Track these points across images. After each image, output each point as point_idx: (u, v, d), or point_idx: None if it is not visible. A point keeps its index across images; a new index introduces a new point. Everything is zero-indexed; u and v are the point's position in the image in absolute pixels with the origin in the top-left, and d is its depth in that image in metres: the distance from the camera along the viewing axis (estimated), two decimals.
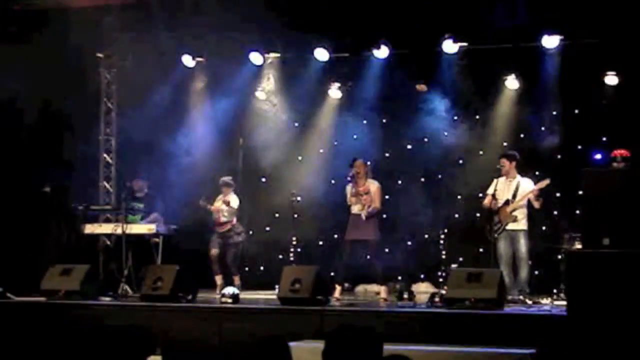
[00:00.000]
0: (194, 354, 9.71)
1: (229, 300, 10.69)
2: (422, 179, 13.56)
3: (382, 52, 13.10)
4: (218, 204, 12.92)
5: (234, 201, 12.90)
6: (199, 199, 12.99)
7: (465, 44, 12.74)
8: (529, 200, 11.34)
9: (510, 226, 11.31)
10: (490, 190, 11.53)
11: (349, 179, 11.60)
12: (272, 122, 14.18)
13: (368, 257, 11.59)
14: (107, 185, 14.53)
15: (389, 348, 4.50)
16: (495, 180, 11.53)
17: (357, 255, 11.59)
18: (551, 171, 11.96)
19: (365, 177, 11.57)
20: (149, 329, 4.66)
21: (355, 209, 11.57)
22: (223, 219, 12.88)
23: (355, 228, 11.50)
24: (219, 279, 12.84)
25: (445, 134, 13.43)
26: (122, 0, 12.96)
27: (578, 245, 10.50)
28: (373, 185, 11.57)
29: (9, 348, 10.03)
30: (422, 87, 13.04)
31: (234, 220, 12.95)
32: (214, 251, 12.89)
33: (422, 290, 12.34)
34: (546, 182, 11.29)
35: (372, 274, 11.89)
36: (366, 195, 11.48)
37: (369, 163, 11.74)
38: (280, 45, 13.59)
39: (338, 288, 11.47)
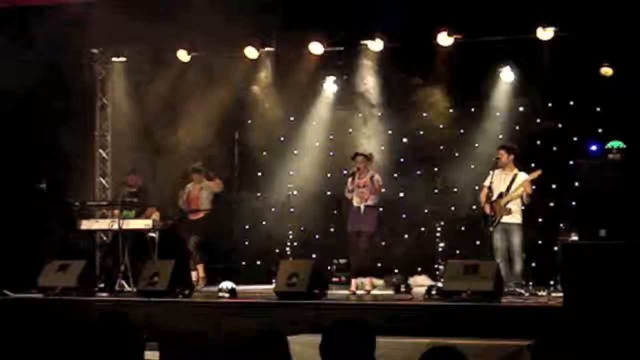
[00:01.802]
0: (192, 348, 9.70)
1: (226, 295, 10.71)
2: (418, 172, 13.57)
3: (376, 45, 13.11)
4: (195, 191, 12.77)
5: (218, 186, 12.78)
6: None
7: (460, 36, 12.74)
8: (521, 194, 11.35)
9: (505, 219, 11.30)
10: (486, 182, 11.54)
11: (350, 173, 11.60)
12: (267, 116, 14.18)
13: (364, 248, 11.60)
14: (103, 181, 14.53)
15: (386, 341, 4.51)
16: (491, 172, 11.54)
17: (358, 247, 11.62)
18: (547, 163, 11.96)
19: (366, 170, 11.59)
20: (125, 315, 4.63)
21: (354, 202, 11.61)
22: (204, 206, 12.73)
23: (355, 220, 11.56)
24: (195, 275, 12.51)
25: (441, 126, 13.43)
26: None
27: (574, 237, 10.51)
28: (375, 175, 11.61)
29: (6, 345, 10.01)
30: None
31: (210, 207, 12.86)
32: (191, 240, 12.68)
33: (419, 282, 12.35)
34: (538, 172, 11.29)
35: (362, 266, 11.83)
36: (364, 189, 11.50)
37: (370, 156, 11.75)
38: (274, 39, 13.58)
39: (354, 281, 11.56)
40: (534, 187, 11.31)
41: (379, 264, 12.36)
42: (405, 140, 13.79)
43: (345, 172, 12.10)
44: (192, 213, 12.73)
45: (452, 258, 11.90)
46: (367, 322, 4.39)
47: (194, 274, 12.51)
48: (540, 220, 12.54)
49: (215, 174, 12.99)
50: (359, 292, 11.50)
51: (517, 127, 13.05)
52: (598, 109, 12.61)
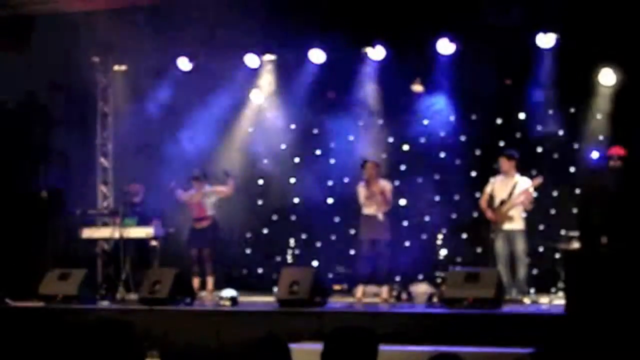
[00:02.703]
0: (193, 356, 9.70)
1: (228, 303, 10.69)
2: (419, 180, 13.56)
3: (377, 53, 13.12)
4: (197, 198, 12.75)
5: (230, 190, 12.79)
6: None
7: (460, 43, 12.74)
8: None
9: (507, 226, 11.30)
10: (487, 189, 11.55)
11: (362, 182, 11.61)
12: (268, 123, 14.19)
13: (382, 256, 11.58)
14: (104, 189, 14.53)
15: (387, 349, 4.50)
16: (492, 179, 11.56)
17: (373, 254, 11.61)
18: (548, 170, 11.96)
19: (377, 177, 11.59)
20: (130, 323, 4.63)
21: (370, 210, 11.59)
22: (209, 213, 12.75)
23: (370, 228, 11.54)
24: (197, 282, 12.59)
25: (442, 134, 13.44)
26: (118, 5, 12.95)
27: (576, 244, 10.51)
28: (387, 186, 11.61)
29: (7, 353, 10.01)
30: (418, 87, 13.00)
31: (214, 214, 12.85)
32: (195, 251, 12.64)
33: (421, 290, 12.33)
34: (539, 180, 11.30)
35: (376, 274, 11.82)
36: (380, 196, 11.50)
37: (380, 163, 11.76)
38: (275, 47, 13.60)
39: (361, 289, 11.52)
40: (534, 194, 11.32)
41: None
42: (406, 147, 13.79)
43: (346, 180, 12.09)
44: (196, 222, 12.71)
45: (453, 266, 11.89)
46: (370, 330, 4.38)
47: (195, 281, 12.50)
48: (541, 227, 12.54)
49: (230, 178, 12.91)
50: (374, 299, 11.53)
51: (518, 135, 13.05)
52: (599, 116, 12.61)
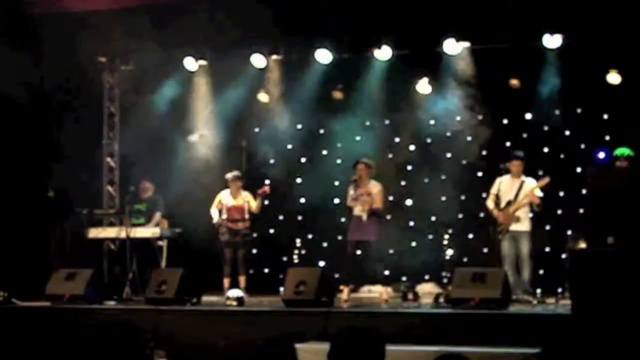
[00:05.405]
0: (200, 357, 9.71)
1: (234, 303, 10.70)
2: (426, 180, 13.56)
3: (384, 53, 13.11)
4: (236, 201, 12.67)
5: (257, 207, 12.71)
6: (201, 201, 12.86)
7: (467, 44, 12.74)
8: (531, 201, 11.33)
9: (513, 227, 11.29)
10: (493, 190, 11.53)
11: (352, 180, 11.55)
12: (275, 124, 14.19)
13: (369, 258, 11.56)
14: (111, 189, 14.55)
15: (393, 349, 4.50)
16: (498, 180, 11.54)
17: (359, 256, 11.56)
18: (555, 170, 11.95)
19: (367, 178, 11.53)
20: (134, 325, 4.65)
21: (356, 210, 11.54)
22: (247, 215, 12.56)
23: (356, 229, 11.46)
24: (227, 283, 12.63)
25: (448, 134, 13.43)
26: (125, 5, 12.97)
27: (582, 244, 10.49)
28: (375, 187, 11.53)
29: (14, 353, 10.03)
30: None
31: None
32: (229, 251, 12.52)
33: (427, 290, 12.34)
34: (546, 180, 11.28)
35: (373, 275, 11.83)
36: (367, 197, 11.44)
37: (371, 164, 11.70)
38: (282, 47, 13.60)
39: (345, 289, 11.47)
40: (542, 194, 11.30)
41: (387, 272, 12.33)
42: (412, 147, 13.79)
43: (352, 182, 12.06)
44: (233, 222, 12.56)
45: (459, 266, 11.89)
46: (377, 330, 4.38)
47: (225, 282, 12.41)
48: (548, 227, 12.52)
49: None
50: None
51: (525, 135, 13.05)
52: (605, 116, 12.60)
